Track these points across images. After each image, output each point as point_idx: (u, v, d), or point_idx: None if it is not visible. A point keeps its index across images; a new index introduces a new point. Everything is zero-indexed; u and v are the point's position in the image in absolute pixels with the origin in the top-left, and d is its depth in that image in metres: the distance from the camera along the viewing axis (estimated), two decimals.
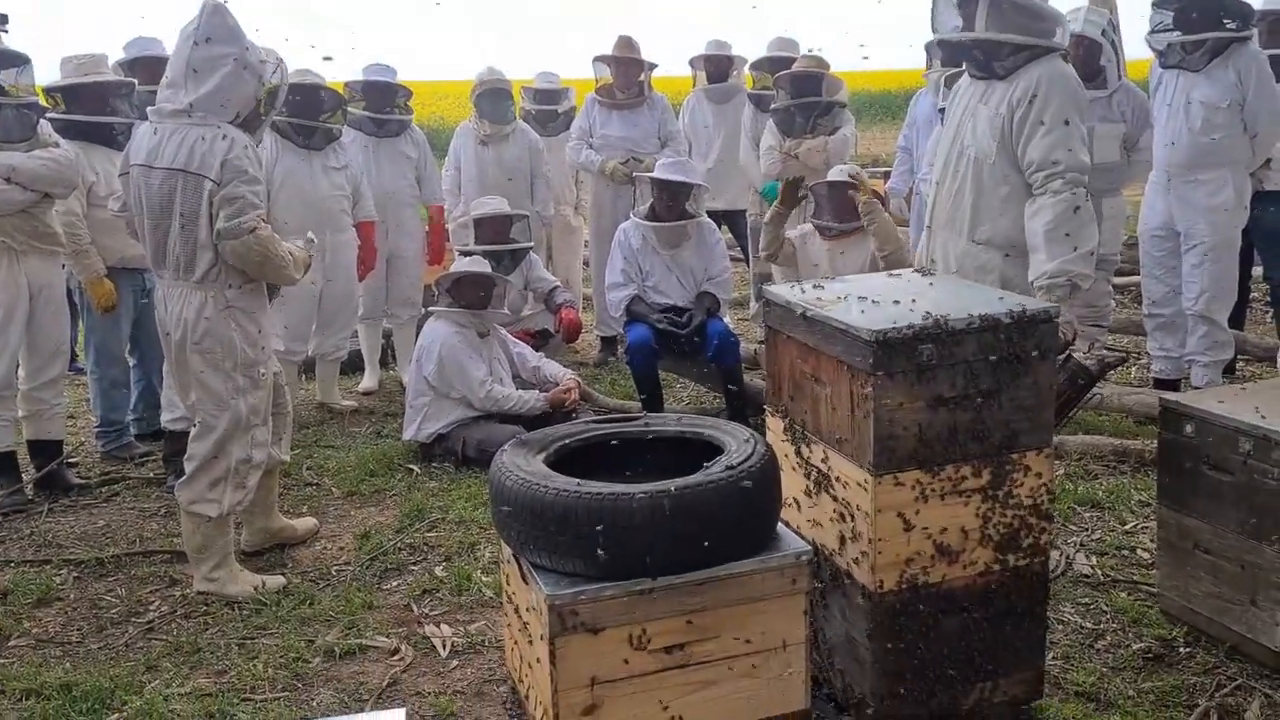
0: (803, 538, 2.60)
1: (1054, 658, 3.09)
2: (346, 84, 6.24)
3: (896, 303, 2.62)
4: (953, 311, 2.50)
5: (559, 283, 6.52)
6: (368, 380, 6.42)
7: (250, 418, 3.71)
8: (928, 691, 2.60)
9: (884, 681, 2.57)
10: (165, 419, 4.71)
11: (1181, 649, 3.15)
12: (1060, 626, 3.29)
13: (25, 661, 3.35)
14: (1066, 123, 3.47)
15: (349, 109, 5.95)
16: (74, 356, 5.60)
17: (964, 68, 3.87)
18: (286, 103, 5.16)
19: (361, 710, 2.98)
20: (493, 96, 6.65)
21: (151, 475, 4.95)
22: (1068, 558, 3.71)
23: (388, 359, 6.68)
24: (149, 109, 3.75)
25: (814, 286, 2.88)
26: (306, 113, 5.51)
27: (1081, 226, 3.46)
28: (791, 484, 2.80)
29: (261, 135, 3.86)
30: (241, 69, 3.59)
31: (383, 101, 6.18)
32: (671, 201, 5.48)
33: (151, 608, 3.73)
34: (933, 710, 2.61)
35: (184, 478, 3.75)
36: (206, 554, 3.73)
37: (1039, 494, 2.60)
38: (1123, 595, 3.47)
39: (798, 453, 2.80)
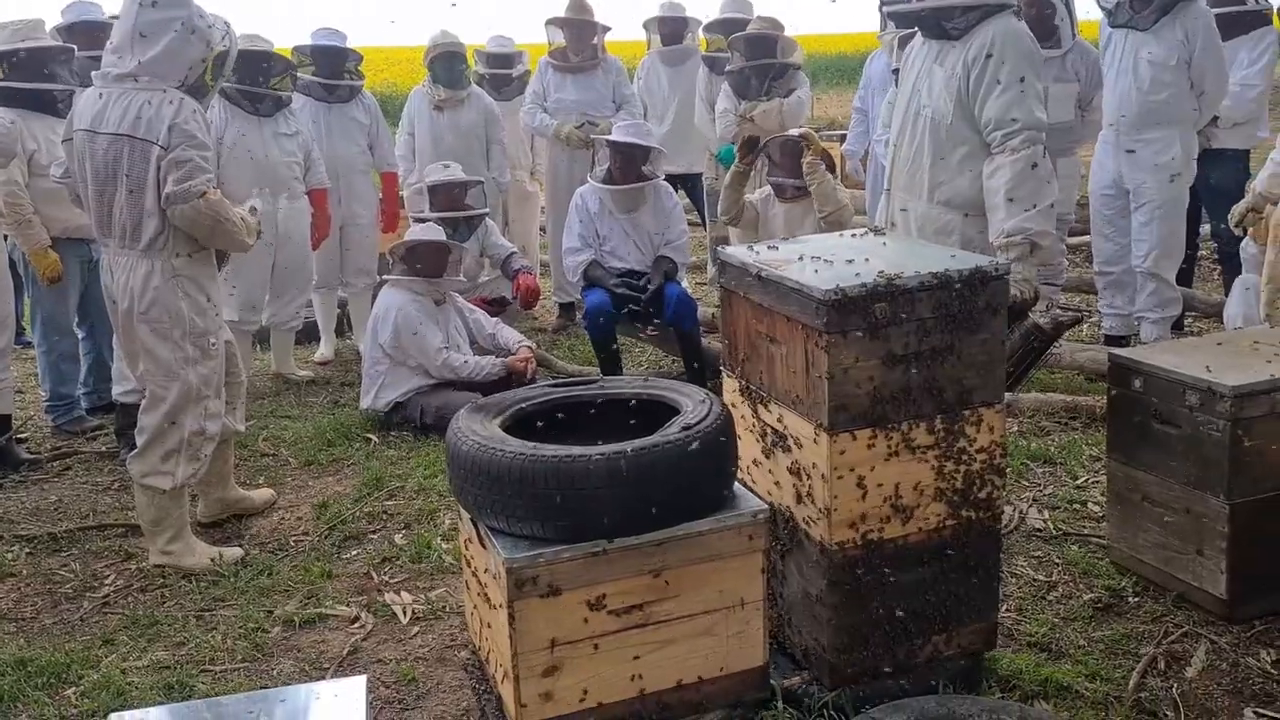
0: (760, 497, 2.62)
1: (1007, 610, 3.15)
2: (295, 49, 6.12)
3: (850, 262, 2.63)
4: (905, 270, 2.51)
5: (516, 249, 6.47)
6: (323, 349, 6.36)
7: (201, 388, 3.66)
8: (884, 645, 2.64)
9: (841, 637, 2.60)
10: (116, 391, 4.64)
11: (1130, 599, 3.23)
12: (1014, 579, 3.35)
13: None
14: (1022, 80, 3.49)
15: (298, 74, 5.85)
16: (20, 330, 5.49)
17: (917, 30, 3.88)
18: (235, 69, 5.07)
19: (322, 679, 2.97)
20: (447, 60, 6.56)
21: (104, 449, 4.89)
22: (1021, 512, 3.78)
23: (344, 328, 6.62)
24: (94, 74, 3.66)
25: (768, 247, 2.88)
26: (255, 79, 5.41)
27: (1040, 184, 3.49)
28: (748, 443, 2.82)
29: (210, 102, 3.79)
30: (189, 33, 3.52)
31: (333, 67, 6.07)
32: (628, 164, 5.45)
33: (107, 582, 3.69)
34: (889, 663, 2.65)
35: (136, 450, 3.70)
36: (161, 527, 3.69)
37: (992, 449, 2.63)
38: (1074, 548, 3.54)
39: (754, 412, 2.81)
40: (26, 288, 5.09)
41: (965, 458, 2.61)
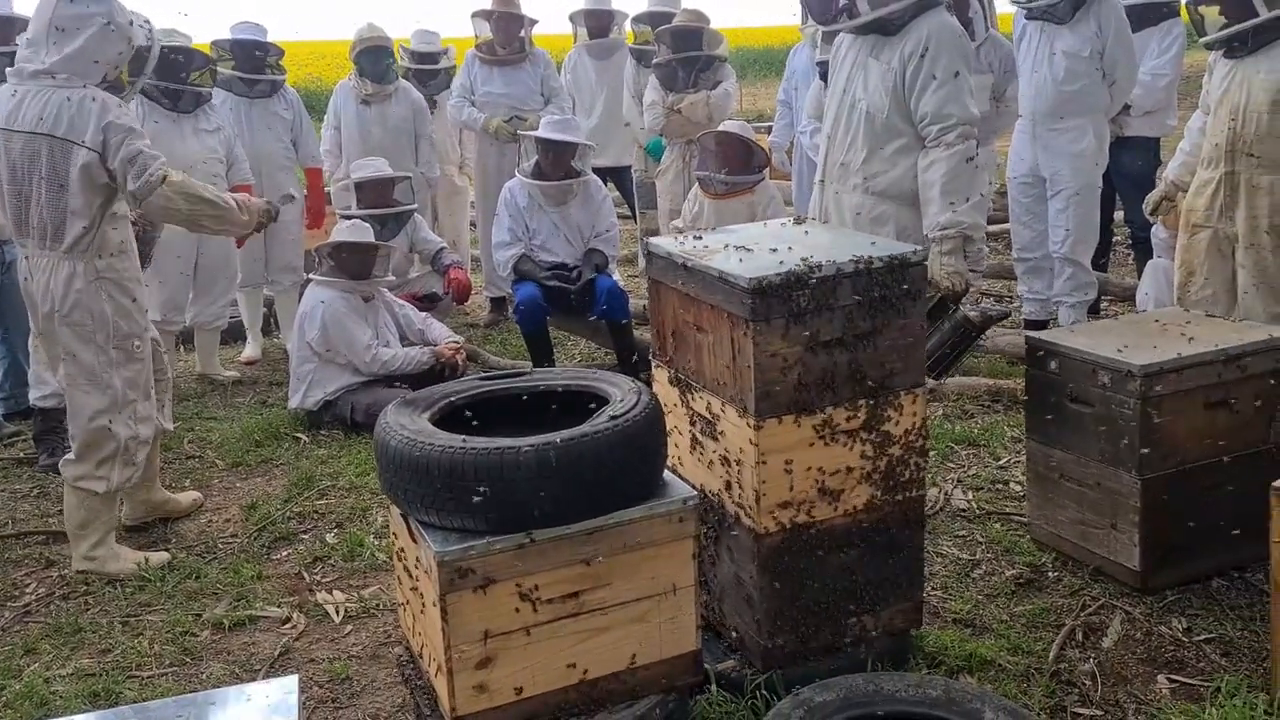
0: (690, 484, 2.65)
1: (933, 588, 3.23)
2: (214, 43, 6.00)
3: (773, 250, 2.67)
4: (826, 257, 2.56)
5: (445, 244, 6.44)
6: (250, 349, 6.26)
7: (128, 392, 3.59)
8: (813, 627, 2.69)
9: (771, 620, 2.65)
10: (34, 396, 4.54)
11: (1050, 574, 3.33)
12: (939, 559, 3.43)
13: None
14: (957, 75, 3.57)
15: (218, 69, 5.74)
16: None
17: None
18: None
19: (254, 680, 2.93)
20: (373, 55, 6.49)
21: (21, 455, 4.76)
22: (946, 494, 3.87)
23: (270, 326, 6.52)
24: (7, 70, 3.57)
25: (694, 237, 2.91)
26: (173, 75, 5.30)
27: (973, 178, 3.58)
28: (678, 432, 2.85)
29: (129, 100, 3.71)
30: (109, 30, 3.45)
31: (253, 61, 5.96)
32: (557, 160, 5.45)
33: (28, 590, 3.61)
34: (819, 644, 2.71)
35: (71, 455, 3.61)
36: (88, 531, 3.61)
37: (914, 432, 2.69)
38: (996, 526, 3.64)
39: (683, 401, 2.84)
40: None
41: (889, 441, 2.67)
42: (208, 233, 3.66)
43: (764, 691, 2.62)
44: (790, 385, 2.55)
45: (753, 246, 2.73)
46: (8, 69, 3.60)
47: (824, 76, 4.96)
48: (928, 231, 3.61)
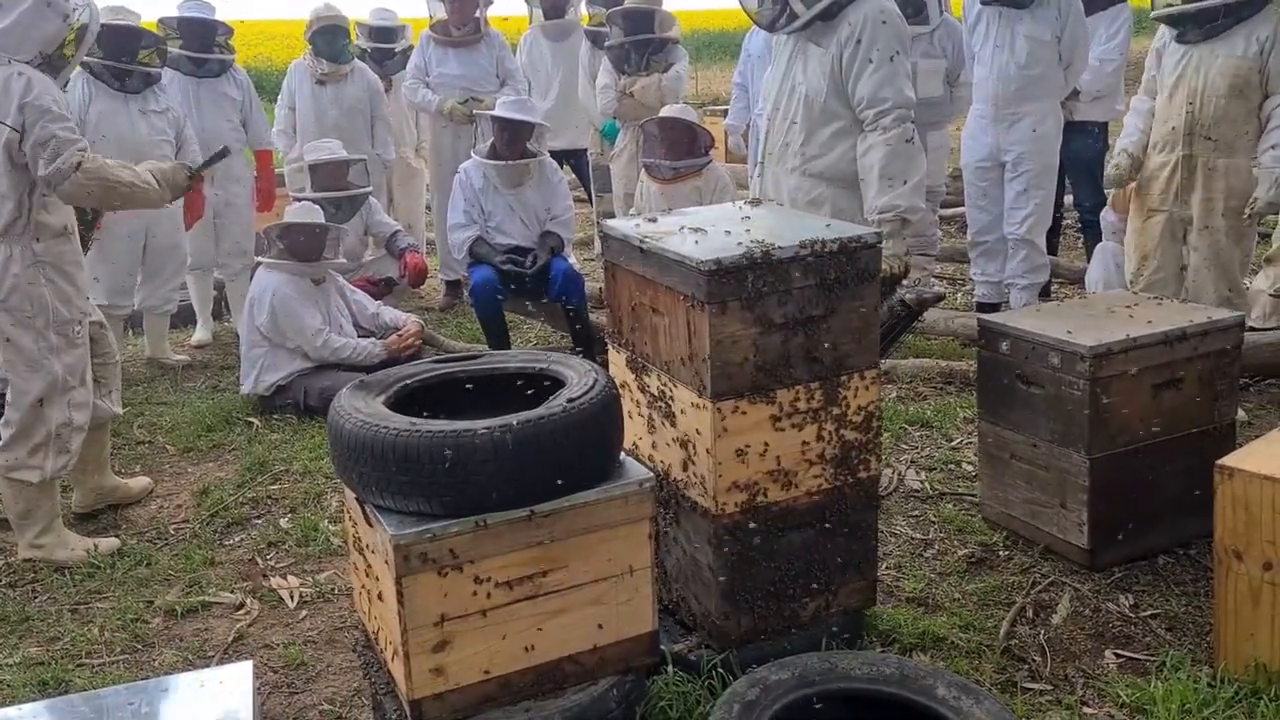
0: (647, 466, 2.66)
1: (887, 567, 3.27)
2: (161, 20, 5.88)
3: (728, 233, 2.68)
4: (781, 240, 2.57)
5: (400, 227, 6.38)
6: (200, 333, 6.17)
7: (67, 378, 3.51)
8: (769, 607, 2.72)
9: (727, 600, 2.67)
10: None
11: (1001, 552, 3.38)
12: (893, 539, 3.48)
13: None
14: (892, 59, 3.59)
15: (166, 48, 5.62)
16: None
17: None
18: (100, 43, 4.84)
19: (206, 667, 2.90)
20: (329, 34, 6.39)
21: None
22: (899, 474, 3.92)
23: (221, 310, 6.42)
24: None
25: (648, 220, 2.91)
26: (120, 54, 5.18)
27: (910, 161, 3.60)
28: (634, 414, 2.85)
29: (66, 78, 3.63)
30: (44, 6, 3.36)
31: (201, 40, 5.85)
32: (513, 140, 5.41)
33: None
34: (774, 624, 2.73)
35: (2, 443, 3.54)
36: (31, 520, 3.55)
37: (868, 413, 2.72)
38: (949, 506, 3.69)
39: (639, 383, 2.85)
40: None
41: (843, 422, 2.69)
42: (121, 209, 3.58)
43: (720, 671, 2.64)
44: (746, 367, 2.56)
45: (708, 228, 2.74)
46: None
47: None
48: (867, 214, 3.64)
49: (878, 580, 2.90)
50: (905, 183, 3.55)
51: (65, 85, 3.58)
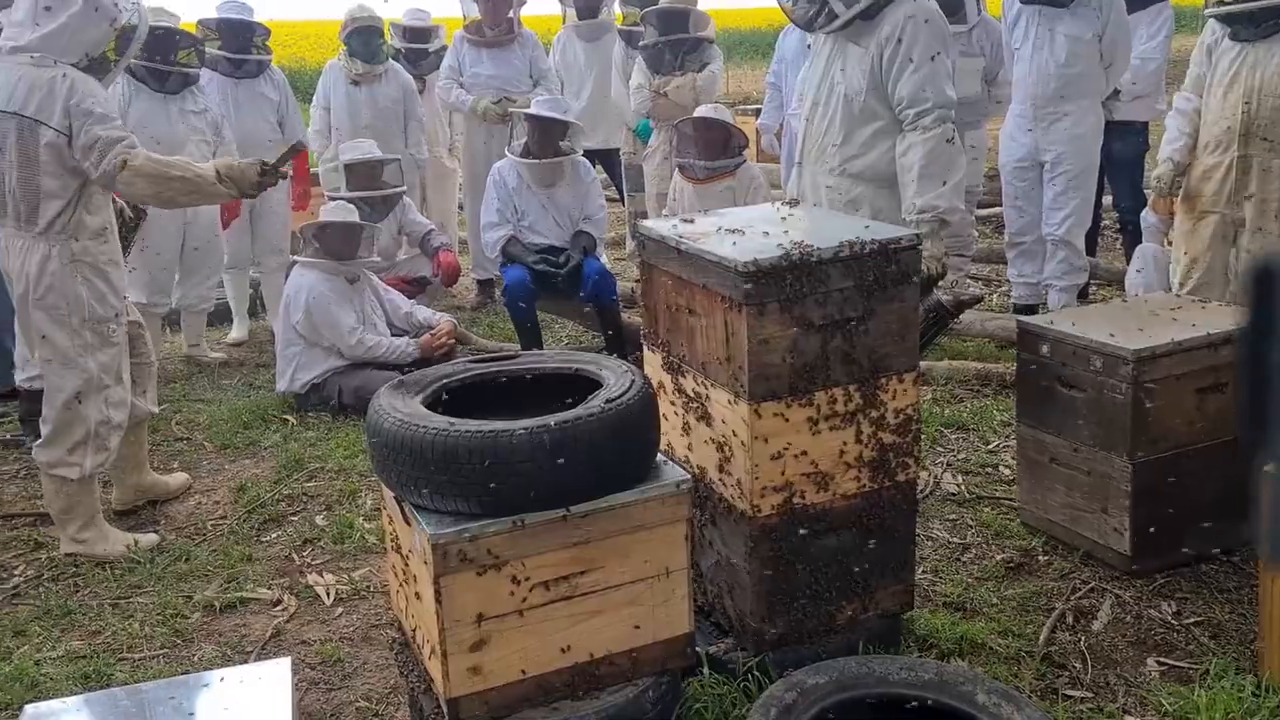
0: (683, 467, 2.65)
1: (923, 572, 3.24)
2: (200, 22, 5.94)
3: (766, 234, 2.67)
4: (820, 241, 2.56)
5: (434, 226, 6.41)
6: (236, 331, 6.23)
7: (102, 376, 3.55)
8: (805, 610, 2.70)
9: (763, 603, 2.66)
10: (20, 378, 4.49)
11: (1040, 557, 3.35)
12: (929, 542, 3.45)
13: None
14: (933, 59, 3.55)
15: (205, 49, 5.68)
16: None
17: None
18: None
19: (245, 662, 2.93)
20: (364, 35, 6.42)
21: (8, 436, 4.72)
22: (935, 478, 3.89)
23: (257, 309, 6.48)
24: None
25: (685, 220, 2.90)
26: (160, 55, 5.24)
27: (950, 161, 3.56)
28: (670, 415, 2.85)
29: (114, 79, 3.66)
30: (91, 9, 3.40)
31: (239, 40, 5.90)
32: (545, 138, 5.42)
33: (16, 572, 3.58)
34: (810, 627, 2.71)
35: (42, 440, 3.58)
36: (72, 515, 3.59)
37: (907, 416, 2.70)
38: (987, 510, 3.66)
39: (675, 384, 2.84)
40: None
41: (881, 424, 2.67)
42: (184, 206, 3.57)
43: (756, 674, 2.62)
44: (783, 369, 2.55)
45: (746, 229, 2.73)
46: None
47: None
48: (905, 215, 3.61)
49: (915, 584, 2.88)
50: (945, 183, 3.52)
51: (109, 87, 3.61)
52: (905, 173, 3.57)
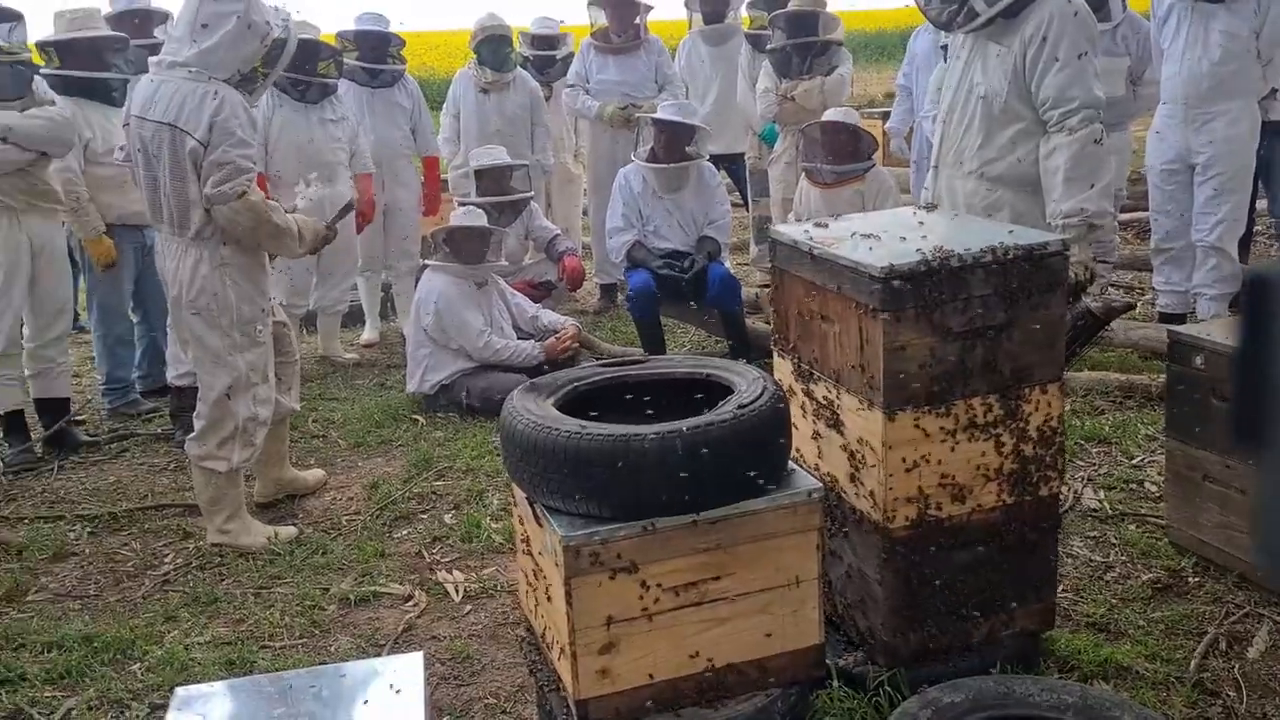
0: (814, 475, 2.61)
1: (1064, 590, 3.12)
2: (338, 34, 6.15)
3: (903, 239, 2.61)
4: (961, 246, 2.48)
5: (560, 231, 6.48)
6: (368, 333, 6.42)
7: (250, 375, 3.70)
8: (939, 625, 2.63)
9: (896, 617, 2.59)
10: (171, 375, 4.72)
11: (1190, 579, 3.18)
12: (1069, 560, 3.32)
13: (44, 615, 3.39)
14: (1080, 57, 3.42)
15: (343, 60, 5.88)
16: (75, 315, 5.58)
17: None
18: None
19: (379, 655, 3.01)
20: (493, 44, 6.55)
21: (159, 431, 4.97)
22: (1076, 492, 3.74)
23: (388, 311, 6.67)
24: (150, 60, 3.71)
25: (817, 225, 2.86)
26: (302, 67, 5.44)
27: (1098, 163, 3.42)
28: (800, 423, 2.81)
29: (262, 93, 3.81)
30: (244, 27, 3.55)
31: (376, 51, 6.10)
32: (672, 143, 5.44)
33: (166, 560, 3.76)
34: (944, 643, 2.64)
35: (194, 434, 3.75)
36: (219, 507, 3.75)
37: (1050, 428, 2.60)
38: (1131, 528, 3.50)
39: (806, 392, 2.80)
40: (83, 273, 5.18)
41: (1023, 436, 2.58)
42: (264, 249, 3.73)
43: (888, 689, 2.56)
44: (920, 377, 2.48)
45: (881, 234, 2.67)
46: (151, 59, 3.74)
47: (947, 60, 4.82)
48: (1050, 219, 3.48)
49: (1055, 603, 2.77)
50: (1092, 186, 3.38)
51: (258, 99, 3.76)
52: (1050, 175, 3.44)
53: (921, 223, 2.79)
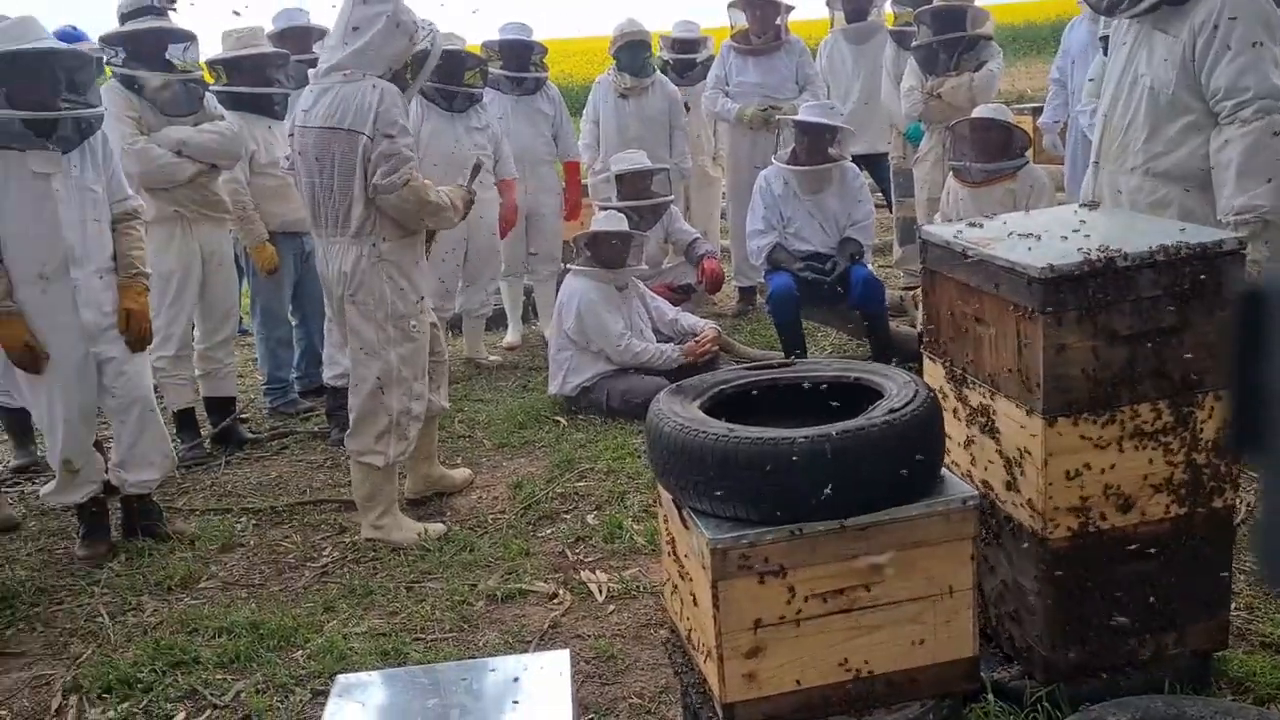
0: (967, 482, 2.53)
1: (1237, 608, 2.94)
2: (484, 44, 6.31)
3: (1064, 238, 2.51)
4: (1128, 245, 2.38)
5: (699, 234, 6.48)
6: (511, 335, 6.56)
7: (402, 369, 3.82)
8: (1102, 641, 2.52)
9: (1055, 631, 2.50)
10: (327, 375, 4.91)
11: None
12: (1243, 576, 3.12)
13: (215, 602, 3.58)
14: (1256, 45, 3.22)
15: (488, 69, 6.02)
16: (239, 319, 5.88)
17: None
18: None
19: (525, 651, 3.07)
20: (632, 49, 6.61)
21: (316, 429, 5.19)
22: (1249, 504, 3.52)
23: (530, 314, 6.80)
24: (310, 72, 3.88)
25: (970, 225, 2.78)
26: (449, 76, 5.60)
27: (1275, 157, 3.21)
28: (952, 428, 2.73)
29: (410, 99, 3.94)
30: (394, 26, 3.68)
31: (519, 60, 6.23)
32: (814, 145, 5.38)
33: (324, 553, 3.92)
34: (1107, 660, 2.53)
35: (350, 429, 3.90)
36: (374, 502, 3.89)
37: (1224, 436, 2.46)
38: None
39: (959, 396, 2.72)
40: (246, 278, 5.46)
41: (1195, 445, 2.45)
42: (424, 227, 3.86)
43: (1045, 705, 2.47)
44: (1083, 382, 2.38)
45: (1040, 234, 2.58)
46: (310, 71, 3.92)
47: (1107, 51, 4.61)
48: (1221, 216, 3.28)
49: (1229, 621, 2.61)
50: (1269, 181, 3.18)
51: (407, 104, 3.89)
52: (1222, 170, 3.25)
53: (1083, 221, 2.68)
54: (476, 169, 4.44)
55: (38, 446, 4.84)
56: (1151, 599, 2.51)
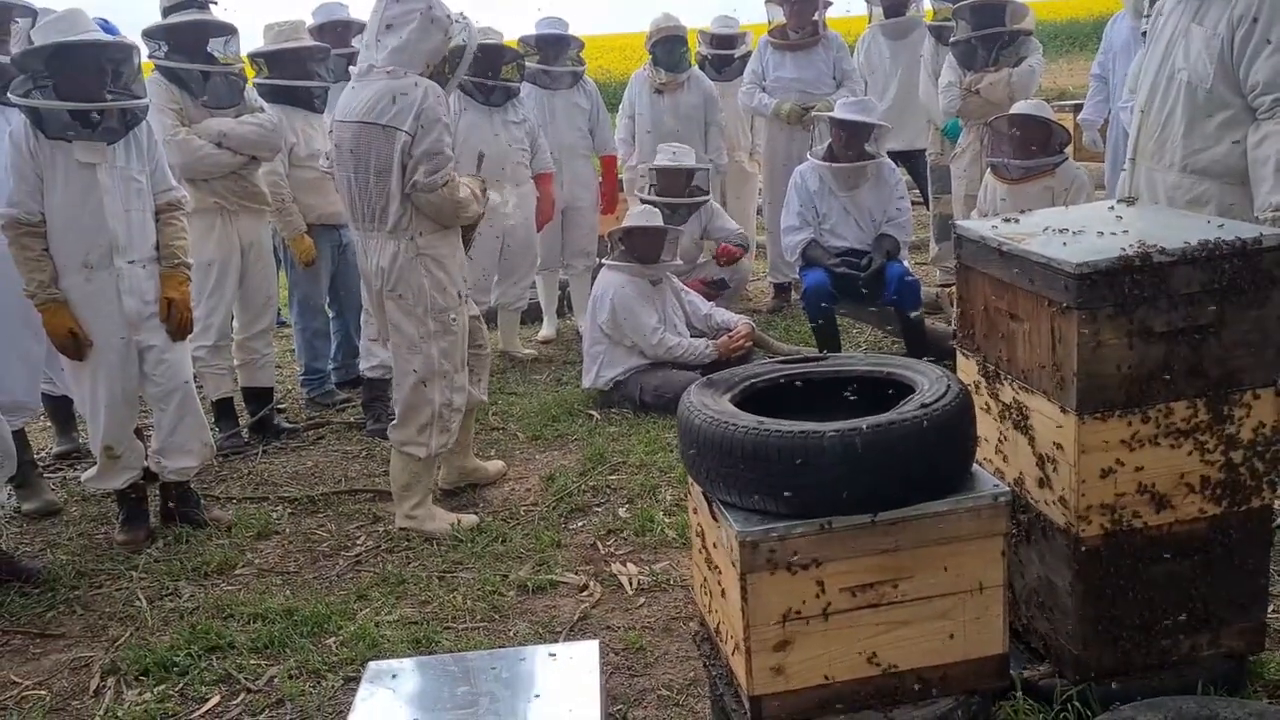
0: (998, 479, 2.52)
1: (1275, 610, 2.90)
2: (520, 39, 6.34)
3: (1100, 234, 2.48)
4: (1165, 241, 2.35)
5: (741, 230, 6.48)
6: (546, 329, 6.59)
7: (442, 362, 3.85)
8: (1134, 640, 2.49)
9: (1087, 629, 2.47)
10: (363, 367, 4.97)
11: None
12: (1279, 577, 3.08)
13: (250, 589, 3.64)
14: None
15: (525, 63, 6.05)
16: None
17: None
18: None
19: (555, 641, 3.09)
20: (668, 45, 6.61)
21: (351, 420, 5.25)
22: None
23: (564, 308, 6.82)
24: (351, 69, 3.92)
25: (1005, 220, 2.76)
26: (486, 71, 5.63)
27: None
28: (985, 424, 2.71)
29: (449, 94, 3.97)
30: (428, 22, 3.70)
31: (556, 54, 6.25)
32: (850, 142, 5.35)
33: (358, 542, 3.97)
34: (1139, 660, 2.50)
35: (396, 420, 3.93)
36: (410, 492, 3.93)
37: (1264, 436, 2.43)
38: None
39: (992, 392, 2.71)
40: (284, 270, 5.52)
41: (1232, 444, 2.42)
42: (454, 225, 3.88)
43: (1076, 704, 2.45)
44: (1117, 379, 2.36)
45: (1076, 229, 2.55)
46: (351, 68, 3.95)
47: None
48: (1258, 213, 3.23)
49: (1266, 623, 2.58)
50: None
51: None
52: (1260, 166, 3.20)
53: (1120, 217, 2.65)
54: (481, 158, 4.47)
55: (80, 433, 4.93)
56: (1186, 599, 2.48)
